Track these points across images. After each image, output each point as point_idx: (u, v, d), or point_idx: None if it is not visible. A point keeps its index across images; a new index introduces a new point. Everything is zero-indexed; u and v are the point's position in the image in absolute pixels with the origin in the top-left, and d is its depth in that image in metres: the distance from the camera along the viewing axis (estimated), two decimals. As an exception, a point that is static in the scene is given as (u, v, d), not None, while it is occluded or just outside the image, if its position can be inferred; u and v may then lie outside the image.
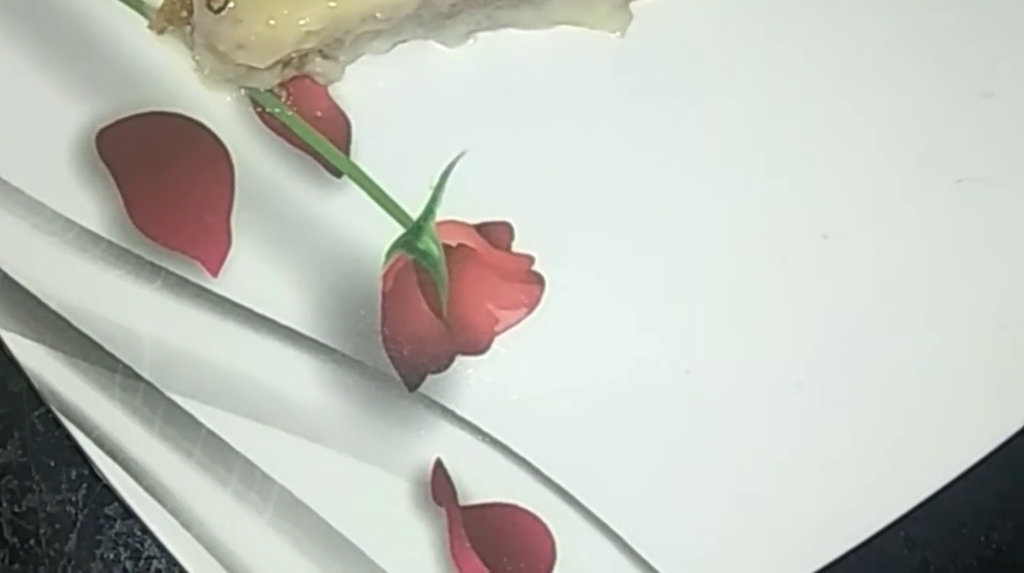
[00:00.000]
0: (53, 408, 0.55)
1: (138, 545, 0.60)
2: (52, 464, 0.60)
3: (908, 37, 0.60)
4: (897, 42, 0.60)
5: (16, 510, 0.59)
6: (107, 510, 0.60)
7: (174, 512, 0.55)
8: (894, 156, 0.59)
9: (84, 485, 0.59)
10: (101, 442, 0.55)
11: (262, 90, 0.58)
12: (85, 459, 0.55)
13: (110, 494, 0.57)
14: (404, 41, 0.59)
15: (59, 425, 0.57)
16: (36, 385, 0.56)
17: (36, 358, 0.56)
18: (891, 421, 0.58)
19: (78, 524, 0.59)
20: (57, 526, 0.59)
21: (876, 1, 0.60)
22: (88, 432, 0.55)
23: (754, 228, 0.59)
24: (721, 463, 0.58)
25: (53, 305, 0.57)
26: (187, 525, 0.55)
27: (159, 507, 0.55)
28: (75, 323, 0.57)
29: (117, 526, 0.60)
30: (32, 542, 0.59)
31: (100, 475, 0.55)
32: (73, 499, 0.59)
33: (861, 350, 0.58)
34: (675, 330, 0.58)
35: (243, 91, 0.59)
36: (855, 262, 0.59)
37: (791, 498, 0.57)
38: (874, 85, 0.60)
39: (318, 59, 0.58)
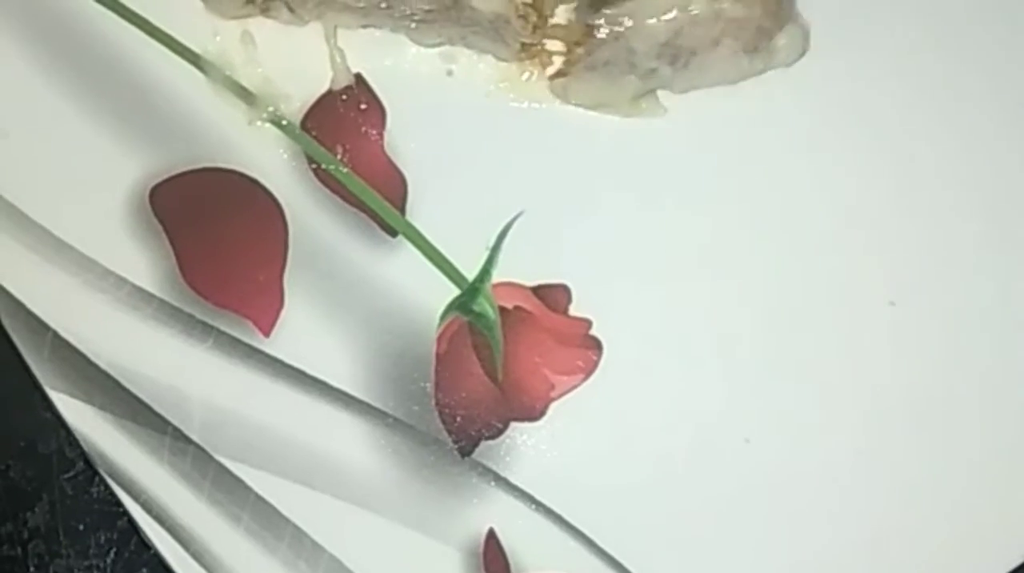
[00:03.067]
0: (101, 471, 0.53)
1: (168, 615, 0.57)
2: (81, 528, 0.57)
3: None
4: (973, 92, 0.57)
5: (43, 575, 0.57)
6: None
7: (222, 581, 0.53)
8: (965, 223, 0.57)
9: (112, 551, 0.57)
10: (148, 507, 0.53)
11: (226, 17, 0.56)
12: (131, 524, 0.53)
13: (139, 561, 0.55)
14: (375, 27, 0.57)
15: (88, 489, 0.55)
16: (84, 447, 0.53)
17: (85, 419, 0.54)
18: (954, 497, 0.55)
19: (106, 591, 0.57)
20: (85, 593, 0.57)
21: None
22: (136, 496, 0.53)
23: (818, 295, 0.56)
24: (780, 536, 0.55)
25: (103, 365, 0.54)
26: (234, 595, 0.53)
27: (206, 575, 0.53)
28: (125, 383, 0.54)
29: (146, 593, 0.58)
30: (58, 610, 0.57)
31: (147, 540, 0.53)
32: (101, 565, 0.57)
33: (923, 421, 0.55)
34: (735, 398, 0.55)
35: (299, 148, 0.57)
36: (921, 330, 0.56)
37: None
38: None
39: (284, 9, 0.56)
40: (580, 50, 0.54)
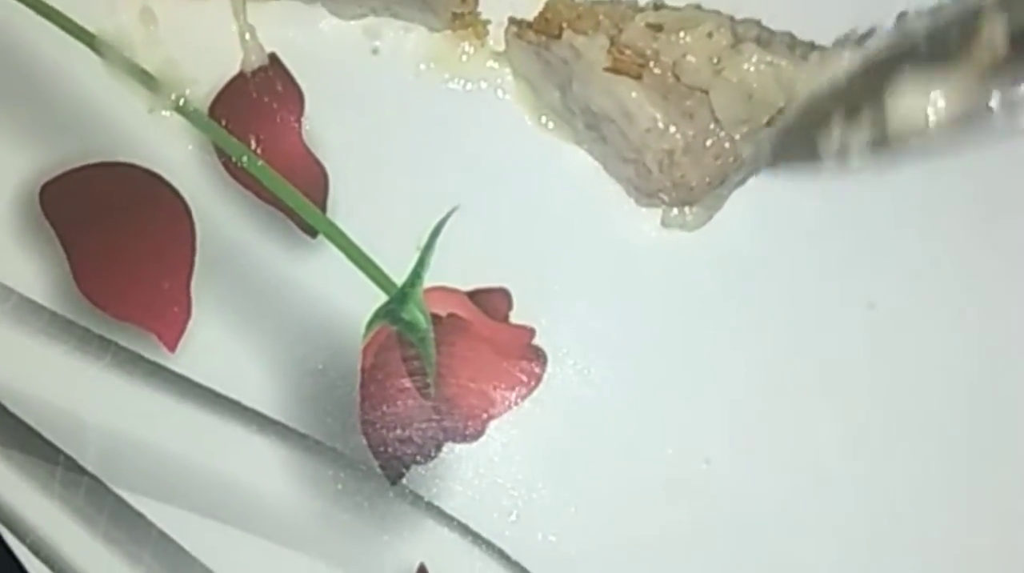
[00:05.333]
0: (-17, 508, 0.48)
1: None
2: None
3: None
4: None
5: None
6: None
7: (120, 630, 0.47)
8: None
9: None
10: (36, 548, 0.47)
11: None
12: (18, 567, 0.47)
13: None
14: None
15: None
16: (-36, 482, 0.48)
17: (-35, 449, 0.48)
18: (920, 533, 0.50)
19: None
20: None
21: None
22: (21, 536, 0.47)
23: (789, 299, 0.50)
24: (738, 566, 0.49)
25: (-14, 386, 0.49)
26: (134, 646, 0.47)
27: (102, 625, 0.47)
28: (10, 407, 0.48)
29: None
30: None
31: (35, 586, 0.47)
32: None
33: (888, 451, 0.50)
34: (694, 415, 0.49)
35: (207, 138, 0.51)
36: (898, 341, 0.50)
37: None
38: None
39: None
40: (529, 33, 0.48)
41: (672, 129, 0.46)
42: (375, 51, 0.51)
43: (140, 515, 0.47)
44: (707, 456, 0.48)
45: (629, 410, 0.49)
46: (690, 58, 0.45)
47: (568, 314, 0.49)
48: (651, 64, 0.46)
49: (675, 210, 0.48)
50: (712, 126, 0.45)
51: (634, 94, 0.46)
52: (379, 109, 0.50)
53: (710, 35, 0.45)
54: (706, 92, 0.45)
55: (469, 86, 0.51)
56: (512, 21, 0.49)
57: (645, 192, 0.48)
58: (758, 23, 0.47)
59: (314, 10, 0.50)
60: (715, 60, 0.45)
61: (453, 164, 0.50)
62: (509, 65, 0.50)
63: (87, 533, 0.47)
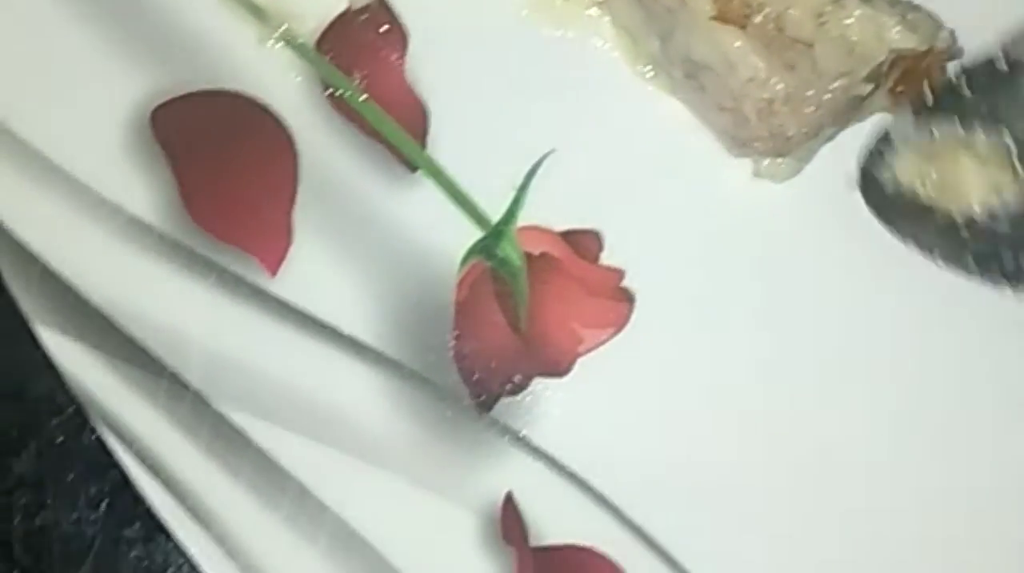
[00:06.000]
0: (90, 415, 0.49)
1: (160, 573, 0.53)
2: (70, 478, 0.52)
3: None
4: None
5: (28, 528, 0.52)
6: (127, 532, 0.52)
7: (218, 538, 0.49)
8: None
9: (104, 503, 0.52)
10: (142, 456, 0.49)
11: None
12: (123, 475, 0.49)
13: (132, 514, 0.51)
14: None
15: (79, 436, 0.50)
16: (73, 389, 0.49)
17: (74, 358, 0.49)
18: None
19: (95, 547, 0.53)
20: (72, 547, 0.53)
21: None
22: (128, 445, 0.49)
23: (868, 267, 0.52)
24: (814, 511, 0.51)
25: (95, 300, 0.50)
26: (232, 554, 0.48)
27: (202, 532, 0.49)
28: (119, 322, 0.50)
29: (138, 550, 0.53)
30: (44, 564, 0.53)
31: (140, 493, 0.49)
32: (91, 518, 0.52)
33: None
34: (777, 362, 0.51)
35: (313, 71, 0.52)
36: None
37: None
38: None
39: None
40: None
41: (773, 79, 0.47)
42: (479, -5, 0.52)
43: (240, 431, 0.48)
44: (792, 401, 0.49)
45: (711, 354, 0.50)
46: (793, 11, 0.47)
47: (657, 258, 0.51)
48: (755, 16, 0.47)
49: (767, 160, 0.50)
50: (812, 78, 0.47)
51: (738, 43, 0.47)
52: (481, 52, 0.51)
53: None
54: (809, 45, 0.46)
55: (569, 33, 0.52)
56: (614, -28, 0.50)
57: (739, 142, 0.49)
58: None
59: (424, -47, 0.52)
60: (818, 14, 0.46)
61: (551, 108, 0.51)
62: (609, 13, 0.51)
63: (190, 445, 0.48)
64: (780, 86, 0.47)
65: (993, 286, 0.48)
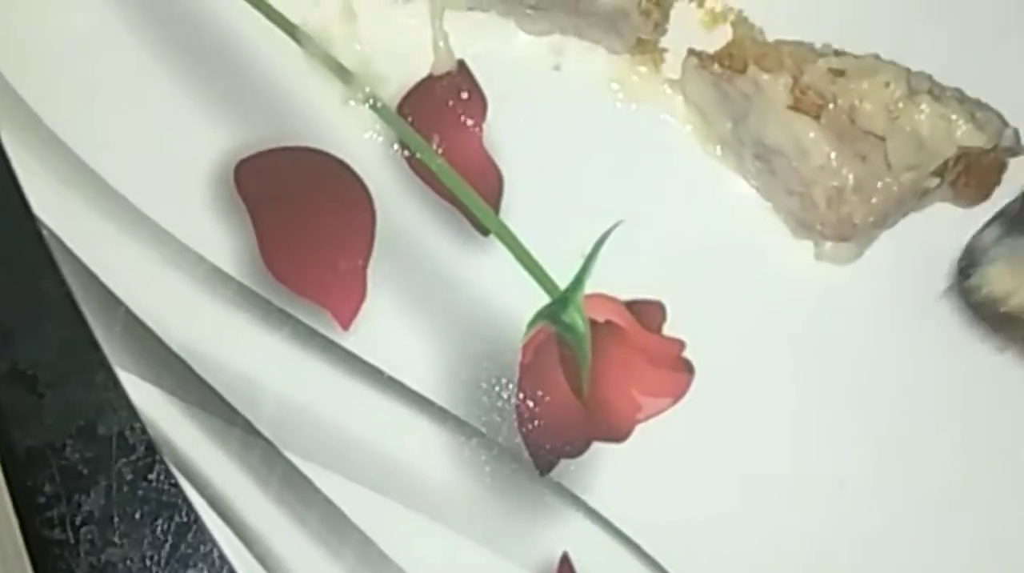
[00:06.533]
0: (166, 459, 0.50)
1: (222, 615, 0.54)
2: (137, 517, 0.54)
3: None
4: None
5: (94, 563, 0.54)
6: None
7: (282, 585, 0.50)
8: None
9: (168, 543, 0.54)
10: (213, 501, 0.51)
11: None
12: (189, 517, 0.50)
13: (196, 555, 0.52)
14: (483, 10, 0.53)
15: (148, 475, 0.51)
16: (150, 433, 0.50)
17: (152, 403, 0.51)
18: None
19: (158, 586, 0.54)
20: (135, 585, 0.54)
21: None
22: (200, 488, 0.51)
23: (922, 346, 0.53)
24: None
25: (175, 347, 0.52)
26: (295, 600, 0.50)
27: (268, 578, 0.50)
28: (196, 369, 0.51)
29: (199, 592, 0.55)
30: (107, 600, 0.54)
31: (209, 536, 0.50)
32: (156, 557, 0.54)
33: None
34: (832, 439, 0.52)
35: (393, 133, 0.54)
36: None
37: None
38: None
39: None
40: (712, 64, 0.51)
41: (844, 169, 0.49)
42: (557, 67, 0.54)
43: (308, 480, 0.50)
44: (841, 480, 0.51)
45: (768, 428, 0.51)
46: (867, 104, 0.48)
47: (718, 331, 0.52)
48: (830, 106, 0.49)
49: (829, 244, 0.51)
50: (882, 169, 0.48)
51: (812, 133, 0.49)
52: (556, 122, 0.53)
53: (887, 84, 0.48)
54: (881, 138, 0.48)
55: (643, 109, 0.53)
56: (693, 52, 0.52)
57: (805, 224, 0.51)
58: (930, 77, 0.50)
59: (505, 24, 0.53)
60: (890, 108, 0.48)
61: (621, 180, 0.53)
62: (683, 93, 0.53)
63: (260, 492, 0.50)
64: (851, 176, 0.48)
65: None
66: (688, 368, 0.51)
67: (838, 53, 0.50)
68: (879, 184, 0.48)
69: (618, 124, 0.53)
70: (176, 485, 0.50)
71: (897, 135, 0.48)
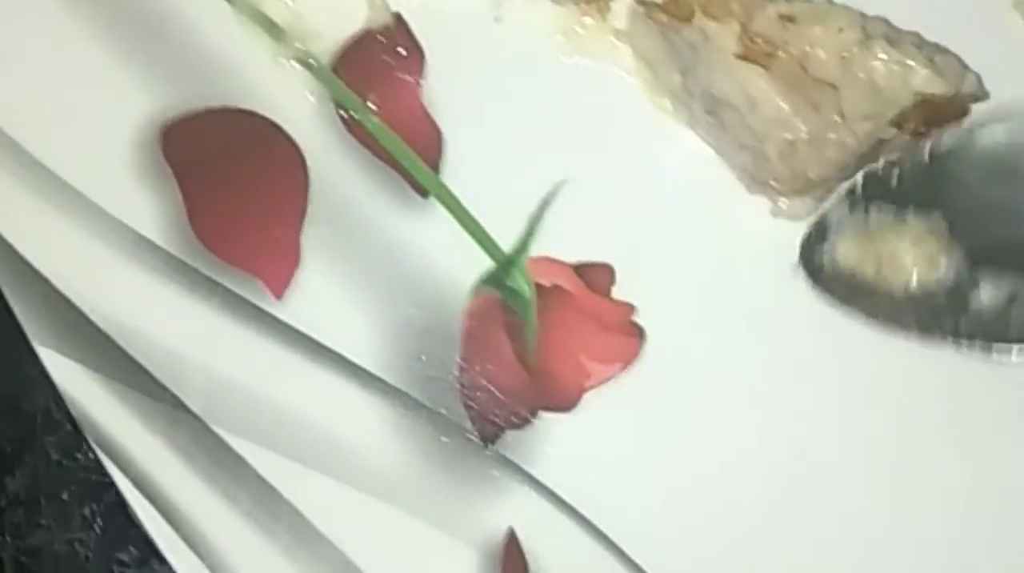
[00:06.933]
0: (90, 439, 0.48)
1: (155, 598, 0.52)
2: (64, 497, 0.52)
3: None
4: None
5: (20, 546, 0.52)
6: (121, 555, 0.51)
7: (213, 567, 0.48)
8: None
9: (97, 524, 0.52)
10: (139, 480, 0.48)
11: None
12: (119, 497, 0.48)
13: (126, 537, 0.50)
14: None
15: (75, 454, 0.49)
16: (73, 412, 0.48)
17: (73, 379, 0.49)
18: None
19: (88, 568, 0.52)
20: (65, 569, 0.52)
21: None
22: (125, 468, 0.48)
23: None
24: (817, 554, 0.50)
25: (97, 320, 0.49)
26: (227, 582, 0.48)
27: (197, 560, 0.48)
28: (121, 343, 0.49)
29: (132, 573, 0.52)
30: (36, 584, 0.52)
31: (134, 517, 0.48)
32: (84, 539, 0.51)
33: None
34: (786, 406, 0.50)
35: (327, 92, 0.51)
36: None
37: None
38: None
39: None
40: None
41: (796, 119, 0.46)
42: (498, 19, 0.51)
43: (239, 456, 0.48)
44: (797, 449, 0.48)
45: (721, 395, 0.49)
46: (819, 51, 0.46)
47: (668, 294, 0.50)
48: (780, 54, 0.46)
49: (784, 199, 0.49)
50: (837, 120, 0.46)
51: (762, 83, 0.46)
52: (498, 77, 0.51)
53: (840, 30, 0.46)
54: (834, 87, 0.45)
55: (587, 62, 0.51)
56: (639, 1, 0.49)
57: (759, 180, 0.49)
58: (886, 21, 0.47)
59: (442, -27, 0.51)
60: (844, 55, 0.46)
61: (566, 138, 0.50)
62: (629, 44, 0.50)
63: (188, 470, 0.47)
64: (803, 127, 0.46)
65: (938, 345, 0.48)
66: (639, 333, 0.49)
67: (789, -1, 0.47)
68: (833, 135, 0.45)
69: (563, 78, 0.50)
70: (102, 465, 0.47)
71: (851, 83, 0.45)
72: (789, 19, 0.46)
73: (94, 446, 0.47)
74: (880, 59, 0.45)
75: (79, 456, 0.50)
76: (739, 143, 0.48)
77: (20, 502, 0.50)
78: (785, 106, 0.46)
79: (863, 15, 0.46)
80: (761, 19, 0.46)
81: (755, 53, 0.46)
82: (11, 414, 0.50)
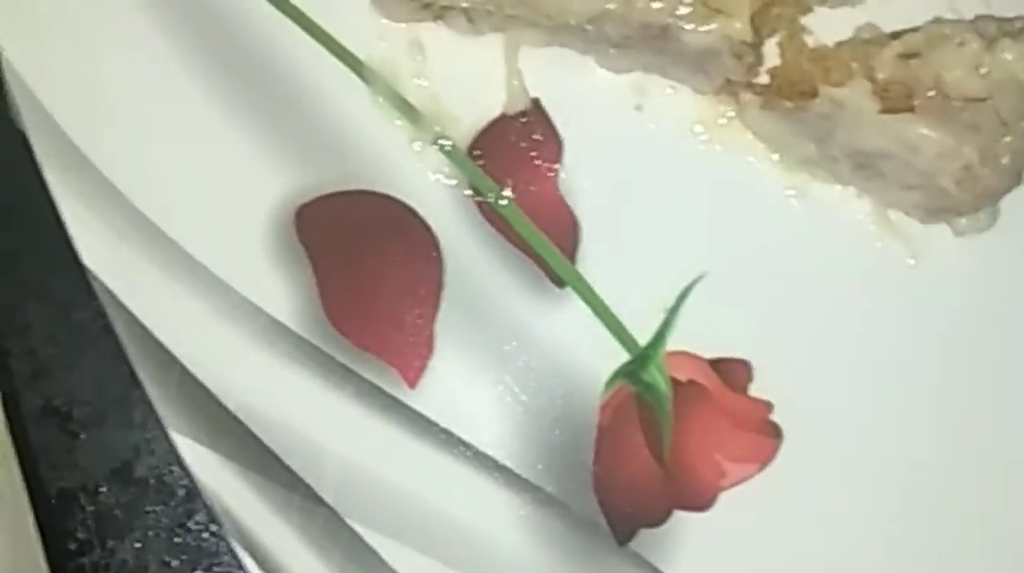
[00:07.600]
0: (225, 529, 0.47)
1: None
2: (174, 565, 0.50)
3: None
4: None
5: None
6: None
7: (346, 662, 0.47)
8: None
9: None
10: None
11: (395, 21, 0.49)
12: (232, 565, 0.47)
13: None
14: (561, 45, 0.50)
15: (186, 522, 0.50)
16: (207, 500, 0.48)
17: (208, 468, 0.48)
18: None
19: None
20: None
21: None
22: (260, 562, 0.48)
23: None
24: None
25: (231, 407, 0.49)
26: None
27: (330, 654, 0.47)
28: (255, 430, 0.48)
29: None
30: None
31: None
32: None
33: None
34: (931, 508, 0.49)
35: (464, 177, 0.51)
36: None
37: None
38: None
39: (462, 18, 0.49)
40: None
41: (963, 147, 0.45)
42: (639, 108, 0.50)
43: (373, 552, 0.47)
44: (939, 554, 0.48)
45: (862, 498, 0.48)
46: (953, 72, 0.45)
47: (808, 392, 0.49)
48: (917, 95, 0.46)
49: (964, 219, 0.48)
50: (1000, 128, 0.45)
51: (914, 127, 0.46)
52: (637, 166, 0.50)
53: (960, 44, 0.45)
54: (982, 99, 0.45)
55: (728, 154, 0.50)
56: (752, 90, 0.49)
57: (934, 211, 0.48)
58: (992, 17, 0.46)
59: (584, 61, 0.50)
60: (976, 66, 0.45)
61: (705, 229, 0.50)
62: (748, 129, 0.50)
63: (322, 564, 0.47)
64: (973, 151, 0.45)
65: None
66: (776, 432, 0.48)
67: (895, 35, 0.46)
68: (1003, 144, 0.44)
69: (702, 168, 0.49)
70: (216, 534, 0.47)
71: (997, 89, 0.44)
72: (908, 56, 0.45)
73: (229, 539, 0.46)
74: (1010, 55, 0.44)
75: (189, 524, 0.49)
76: (903, 185, 0.47)
77: (128, 568, 0.50)
78: (948, 139, 0.45)
79: (969, 21, 0.46)
80: (883, 66, 0.46)
81: (895, 102, 0.45)
82: (124, 479, 0.50)
